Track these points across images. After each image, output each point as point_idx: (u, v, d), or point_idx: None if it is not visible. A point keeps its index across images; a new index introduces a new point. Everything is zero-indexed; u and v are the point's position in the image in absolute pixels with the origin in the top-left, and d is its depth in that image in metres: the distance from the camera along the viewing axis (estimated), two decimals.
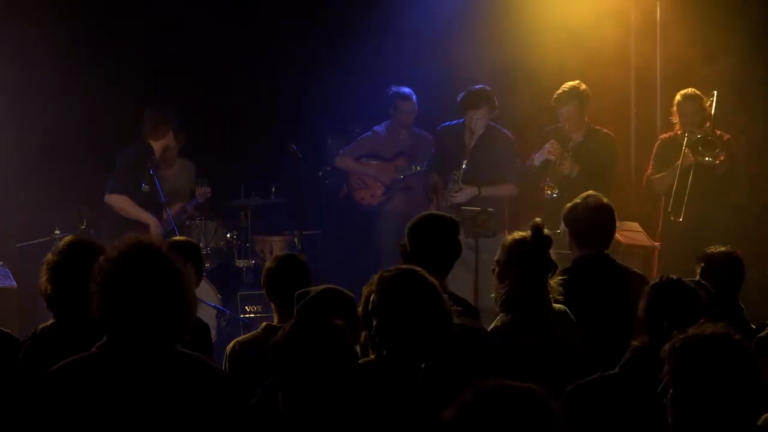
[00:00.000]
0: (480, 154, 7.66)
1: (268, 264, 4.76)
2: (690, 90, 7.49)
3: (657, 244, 7.50)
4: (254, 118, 9.22)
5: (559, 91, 7.50)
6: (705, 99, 7.43)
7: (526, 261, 4.37)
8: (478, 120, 7.61)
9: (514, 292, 4.34)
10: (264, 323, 4.57)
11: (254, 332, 4.61)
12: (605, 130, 7.64)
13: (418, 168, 8.20)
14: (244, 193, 8.69)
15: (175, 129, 7.77)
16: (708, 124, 7.41)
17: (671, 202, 7.41)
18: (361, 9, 9.01)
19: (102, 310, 3.04)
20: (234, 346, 4.54)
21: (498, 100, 7.70)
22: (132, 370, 3.00)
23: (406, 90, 8.31)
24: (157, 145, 7.68)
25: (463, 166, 7.56)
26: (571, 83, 7.50)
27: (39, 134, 8.17)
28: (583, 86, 7.49)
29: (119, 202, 7.56)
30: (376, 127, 8.51)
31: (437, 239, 4.64)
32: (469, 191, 7.58)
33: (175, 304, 3.05)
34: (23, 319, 6.95)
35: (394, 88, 8.33)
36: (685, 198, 7.34)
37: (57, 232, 7.66)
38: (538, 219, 4.48)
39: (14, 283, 7.12)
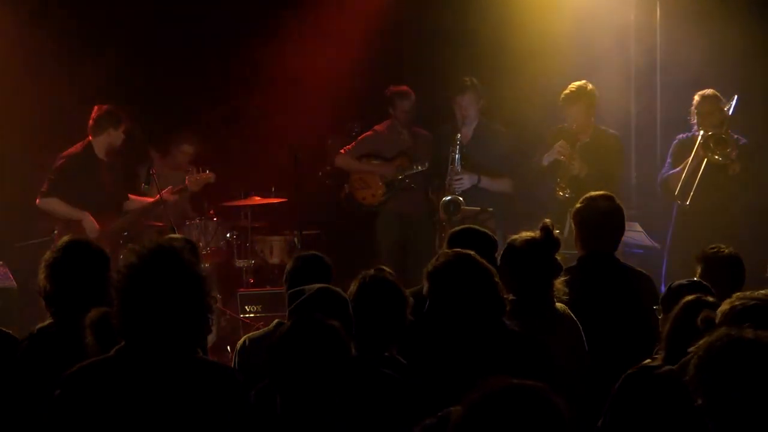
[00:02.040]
0: (475, 149, 7.68)
1: (291, 263, 4.75)
2: (709, 90, 7.46)
3: (657, 244, 7.49)
4: (254, 118, 9.21)
5: (567, 91, 7.48)
6: (723, 101, 7.37)
7: (535, 262, 4.36)
8: (467, 106, 7.63)
9: (522, 294, 4.33)
10: (276, 320, 4.57)
11: (265, 328, 4.60)
12: (611, 131, 7.64)
13: (419, 167, 8.20)
14: (244, 193, 8.69)
15: (118, 126, 7.61)
16: (724, 126, 7.34)
17: (679, 187, 7.35)
18: (362, 8, 9.00)
19: (121, 315, 3.02)
20: (244, 341, 4.55)
21: (498, 100, 7.72)
22: (150, 375, 2.99)
23: (405, 89, 8.30)
24: (97, 142, 7.61)
25: (458, 155, 7.57)
26: (578, 83, 7.48)
27: (39, 134, 8.17)
28: (590, 86, 7.48)
29: (48, 204, 7.55)
30: (377, 127, 8.50)
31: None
32: (470, 177, 7.59)
33: (196, 310, 3.04)
34: (23, 319, 6.95)
35: (392, 88, 8.32)
36: (695, 184, 7.26)
37: (56, 231, 7.65)
38: (547, 220, 4.47)
39: (14, 283, 7.13)
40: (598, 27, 8.57)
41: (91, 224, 7.48)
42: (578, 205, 5.15)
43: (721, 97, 7.39)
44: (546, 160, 7.48)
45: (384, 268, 4.13)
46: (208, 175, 8.04)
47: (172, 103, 8.92)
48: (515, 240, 4.50)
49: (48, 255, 3.97)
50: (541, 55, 8.55)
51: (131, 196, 7.89)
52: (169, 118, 8.76)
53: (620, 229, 5.13)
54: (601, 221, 5.03)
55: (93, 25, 8.71)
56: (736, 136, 7.34)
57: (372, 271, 4.06)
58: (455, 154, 7.62)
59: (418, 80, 8.57)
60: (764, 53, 8.23)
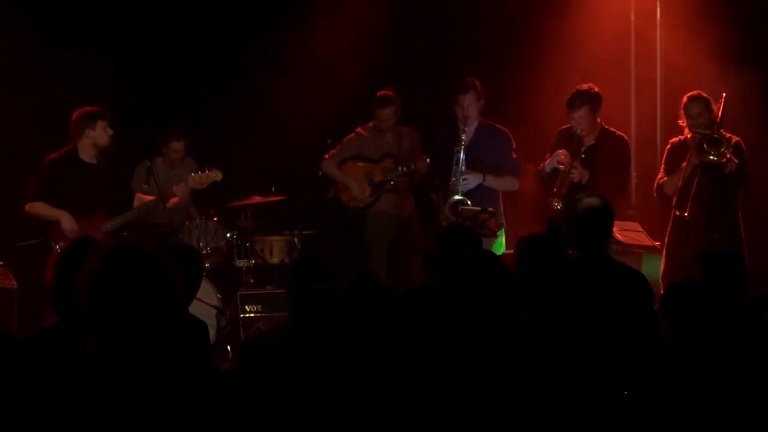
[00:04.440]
0: (478, 149, 7.67)
1: (293, 264, 4.79)
2: (695, 92, 7.45)
3: (657, 244, 7.49)
4: (254, 118, 9.21)
5: (572, 95, 7.46)
6: (712, 101, 7.37)
7: (543, 258, 4.37)
8: (469, 106, 7.60)
9: (532, 289, 4.33)
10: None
11: (266, 331, 4.63)
12: (618, 132, 7.64)
13: (405, 169, 8.16)
14: (244, 193, 8.68)
15: (94, 125, 7.54)
16: (715, 126, 7.34)
17: (676, 198, 7.36)
18: (363, 8, 9.00)
19: (90, 318, 3.00)
20: (246, 341, 4.58)
21: (494, 100, 7.72)
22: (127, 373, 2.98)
23: (387, 96, 8.17)
24: (80, 145, 7.60)
25: (462, 155, 7.56)
26: (583, 86, 7.47)
27: (38, 134, 8.17)
28: (596, 89, 7.47)
29: (33, 208, 7.59)
30: (359, 129, 8.44)
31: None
32: (476, 176, 7.58)
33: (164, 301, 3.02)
34: (23, 319, 6.97)
35: (377, 93, 8.25)
36: (692, 193, 7.27)
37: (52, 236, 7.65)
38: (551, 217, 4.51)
39: (14, 283, 7.13)
40: (597, 27, 8.59)
41: (69, 223, 7.49)
42: (566, 207, 5.20)
43: (709, 98, 7.38)
44: (548, 167, 7.46)
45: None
46: (214, 174, 7.95)
47: (169, 101, 8.91)
48: (522, 238, 4.54)
49: (56, 252, 4.09)
50: (541, 55, 8.57)
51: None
52: (166, 118, 8.74)
53: (608, 228, 5.14)
54: (588, 221, 5.04)
55: (90, 23, 8.73)
56: (728, 135, 7.34)
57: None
58: (460, 154, 7.59)
59: (418, 80, 8.57)
60: (765, 51, 8.24)
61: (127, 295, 2.94)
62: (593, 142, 7.51)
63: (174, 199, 7.79)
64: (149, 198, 7.76)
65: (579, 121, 7.43)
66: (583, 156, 7.42)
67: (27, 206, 7.63)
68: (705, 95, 7.39)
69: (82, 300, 2.98)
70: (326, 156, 8.44)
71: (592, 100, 7.43)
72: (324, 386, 3.21)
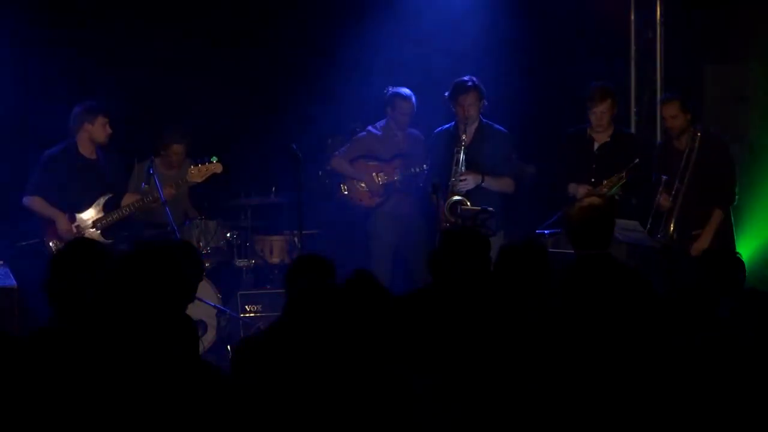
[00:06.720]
0: (477, 149, 7.66)
1: (292, 263, 4.81)
2: (671, 94, 7.43)
3: (657, 244, 7.48)
4: (254, 118, 9.21)
5: (594, 89, 7.41)
6: (681, 103, 7.31)
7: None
8: (469, 106, 7.59)
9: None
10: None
11: (262, 331, 4.65)
12: (630, 131, 7.64)
13: (417, 170, 8.16)
14: (244, 193, 8.68)
15: (93, 119, 7.56)
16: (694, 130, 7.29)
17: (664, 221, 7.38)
18: (362, 9, 9.01)
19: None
20: (240, 343, 4.59)
21: (493, 101, 7.73)
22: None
23: (406, 91, 8.20)
24: (79, 139, 7.62)
25: (462, 156, 7.56)
26: (601, 82, 7.46)
27: (39, 134, 8.18)
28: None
29: (31, 203, 7.62)
30: (370, 128, 8.43)
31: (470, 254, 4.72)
32: (475, 177, 7.58)
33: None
34: (23, 319, 6.96)
35: (392, 89, 8.24)
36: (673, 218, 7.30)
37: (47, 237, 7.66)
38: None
39: (14, 283, 7.13)
40: (597, 26, 8.60)
41: (64, 224, 7.52)
42: (564, 209, 5.22)
43: (679, 99, 7.32)
44: (571, 192, 7.39)
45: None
46: (214, 166, 7.89)
47: (168, 100, 8.91)
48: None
49: (55, 252, 4.10)
50: (539, 55, 8.57)
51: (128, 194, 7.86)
52: (165, 119, 8.74)
53: (607, 227, 5.13)
54: (585, 222, 5.05)
55: (91, 23, 8.74)
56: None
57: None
58: (460, 154, 7.59)
59: (417, 79, 8.57)
60: (765, 52, 8.25)
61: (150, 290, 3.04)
62: (608, 139, 7.48)
63: (172, 192, 7.75)
64: (138, 197, 7.72)
65: (600, 116, 7.38)
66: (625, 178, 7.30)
67: (25, 200, 7.63)
68: (676, 99, 7.32)
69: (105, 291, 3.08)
70: (336, 153, 8.44)
71: (612, 95, 7.41)
72: (316, 384, 3.21)
